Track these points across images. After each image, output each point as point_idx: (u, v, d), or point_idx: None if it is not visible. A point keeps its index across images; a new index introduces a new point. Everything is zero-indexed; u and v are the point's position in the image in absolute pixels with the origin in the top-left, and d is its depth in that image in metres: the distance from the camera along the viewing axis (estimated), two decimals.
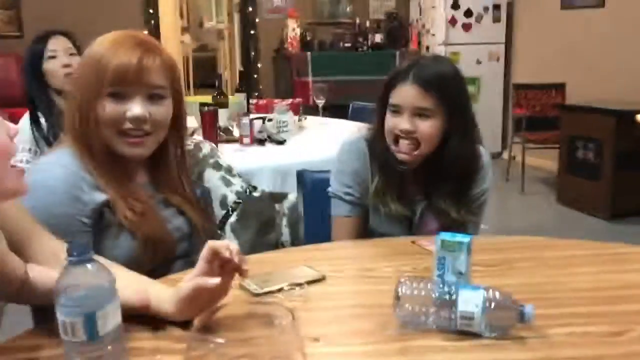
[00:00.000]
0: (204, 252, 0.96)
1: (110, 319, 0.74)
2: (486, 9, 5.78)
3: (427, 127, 1.39)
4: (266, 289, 1.09)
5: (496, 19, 5.83)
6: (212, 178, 1.91)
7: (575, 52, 5.19)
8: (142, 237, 1.20)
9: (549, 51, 5.52)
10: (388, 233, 1.51)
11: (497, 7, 5.81)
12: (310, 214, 1.86)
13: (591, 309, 1.02)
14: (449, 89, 1.39)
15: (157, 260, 1.24)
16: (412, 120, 1.39)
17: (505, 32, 5.90)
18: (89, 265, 0.73)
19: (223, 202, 1.70)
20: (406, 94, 1.39)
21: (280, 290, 1.09)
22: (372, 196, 1.49)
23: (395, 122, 1.42)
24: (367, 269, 1.23)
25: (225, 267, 0.98)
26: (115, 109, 1.17)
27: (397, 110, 1.42)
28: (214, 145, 1.91)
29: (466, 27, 5.77)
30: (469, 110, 1.45)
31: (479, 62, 5.79)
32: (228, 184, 1.93)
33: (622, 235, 3.77)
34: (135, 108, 1.17)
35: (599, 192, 4.11)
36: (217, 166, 1.91)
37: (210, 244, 0.96)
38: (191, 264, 1.40)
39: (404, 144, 1.41)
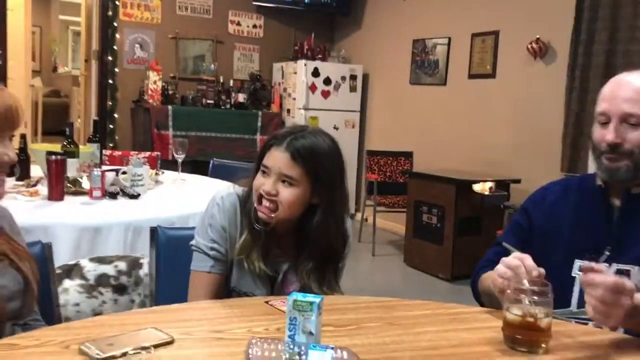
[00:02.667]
0: None
1: None
2: (343, 78, 6.13)
3: (288, 194, 1.42)
4: (109, 354, 1.02)
5: (352, 89, 6.21)
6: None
7: (422, 124, 5.65)
8: None
9: (399, 121, 5.96)
10: (250, 293, 1.50)
11: (353, 77, 6.19)
12: (163, 273, 1.79)
13: None
14: (318, 164, 1.43)
15: None
16: (276, 184, 1.42)
17: (361, 101, 6.28)
18: None
19: None
20: (276, 158, 1.42)
21: (124, 354, 1.02)
22: (238, 252, 1.47)
23: (261, 182, 1.45)
24: (218, 330, 1.19)
25: None
26: None
27: (266, 172, 1.44)
28: None
29: (325, 94, 6.06)
30: (337, 187, 1.48)
31: (336, 127, 6.07)
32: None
33: (460, 295, 4.05)
34: (10, 150, 1.19)
35: (441, 255, 4.41)
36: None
37: None
38: (23, 326, 1.29)
39: (264, 204, 1.44)
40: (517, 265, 1.25)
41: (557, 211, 1.54)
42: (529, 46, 4.52)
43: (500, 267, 1.29)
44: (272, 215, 1.43)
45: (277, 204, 1.42)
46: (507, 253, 1.32)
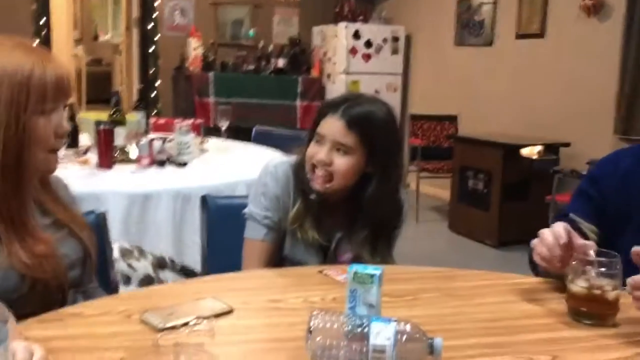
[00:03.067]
0: None
1: None
2: (385, 40, 5.99)
3: (343, 163, 1.40)
4: (170, 324, 1.02)
5: (394, 51, 6.07)
6: None
7: (467, 87, 5.50)
8: (33, 280, 1.11)
9: (443, 84, 5.82)
10: (302, 261, 1.49)
11: (395, 39, 6.04)
12: (214, 241, 1.80)
13: (495, 339, 1.05)
14: (374, 132, 1.40)
15: (44, 301, 1.14)
16: (330, 153, 1.40)
17: (403, 64, 6.14)
18: None
19: None
20: (331, 126, 1.40)
21: (185, 324, 1.03)
22: (291, 221, 1.47)
23: (314, 151, 1.42)
24: (276, 300, 1.19)
25: None
26: (47, 126, 1.12)
27: (320, 140, 1.42)
28: None
29: (366, 57, 5.95)
30: (393, 156, 1.46)
31: (377, 92, 5.95)
32: None
33: (508, 262, 3.99)
34: (65, 121, 1.16)
35: (488, 221, 4.34)
36: None
37: None
38: (84, 293, 1.31)
39: (318, 174, 1.42)
40: (541, 232, 1.21)
41: (631, 182, 1.44)
42: (582, 2, 4.32)
43: (535, 239, 1.24)
44: (327, 186, 1.41)
45: (331, 173, 1.40)
46: (574, 226, 1.26)
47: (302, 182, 1.46)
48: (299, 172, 1.48)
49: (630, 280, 1.10)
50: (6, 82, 1.07)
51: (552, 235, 1.19)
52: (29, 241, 1.11)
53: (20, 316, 1.01)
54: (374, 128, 1.40)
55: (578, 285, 1.14)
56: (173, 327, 1.02)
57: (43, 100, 1.10)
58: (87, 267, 1.28)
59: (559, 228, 1.20)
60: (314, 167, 1.42)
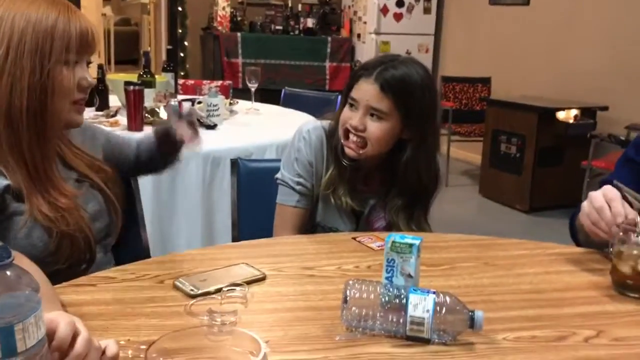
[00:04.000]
0: None
1: (33, 333, 0.63)
2: None
3: (376, 129, 1.35)
4: (203, 290, 1.01)
5: (427, 10, 5.89)
6: None
7: (501, 48, 5.33)
8: (59, 234, 1.10)
9: (476, 45, 5.65)
10: (335, 228, 1.47)
11: None
12: (244, 205, 1.78)
13: (537, 312, 1.01)
14: (410, 96, 1.34)
15: (73, 259, 1.13)
16: (364, 118, 1.35)
17: (435, 24, 5.97)
18: (7, 272, 0.62)
19: None
20: (364, 90, 1.35)
21: (218, 291, 1.01)
22: (324, 187, 1.44)
23: (348, 116, 1.38)
24: (309, 267, 1.17)
25: None
26: (70, 77, 1.11)
27: (354, 105, 1.37)
28: None
29: (397, 17, 5.80)
30: (429, 121, 1.39)
31: (408, 52, 5.81)
32: None
33: (539, 228, 3.92)
34: (89, 75, 1.14)
35: (519, 186, 4.26)
36: None
37: None
38: (109, 247, 1.29)
39: (352, 139, 1.37)
40: (600, 207, 1.14)
41: None
42: None
43: (586, 205, 1.18)
44: (360, 152, 1.37)
45: (365, 139, 1.36)
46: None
47: (336, 148, 1.42)
48: (333, 137, 1.44)
49: None
50: (30, 30, 1.06)
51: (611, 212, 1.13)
52: (52, 193, 1.11)
53: (51, 275, 1.00)
54: (409, 92, 1.33)
55: (623, 257, 1.09)
56: (206, 294, 1.00)
57: (67, 51, 1.09)
58: (113, 218, 1.27)
59: (617, 204, 1.14)
60: (347, 132, 1.38)
